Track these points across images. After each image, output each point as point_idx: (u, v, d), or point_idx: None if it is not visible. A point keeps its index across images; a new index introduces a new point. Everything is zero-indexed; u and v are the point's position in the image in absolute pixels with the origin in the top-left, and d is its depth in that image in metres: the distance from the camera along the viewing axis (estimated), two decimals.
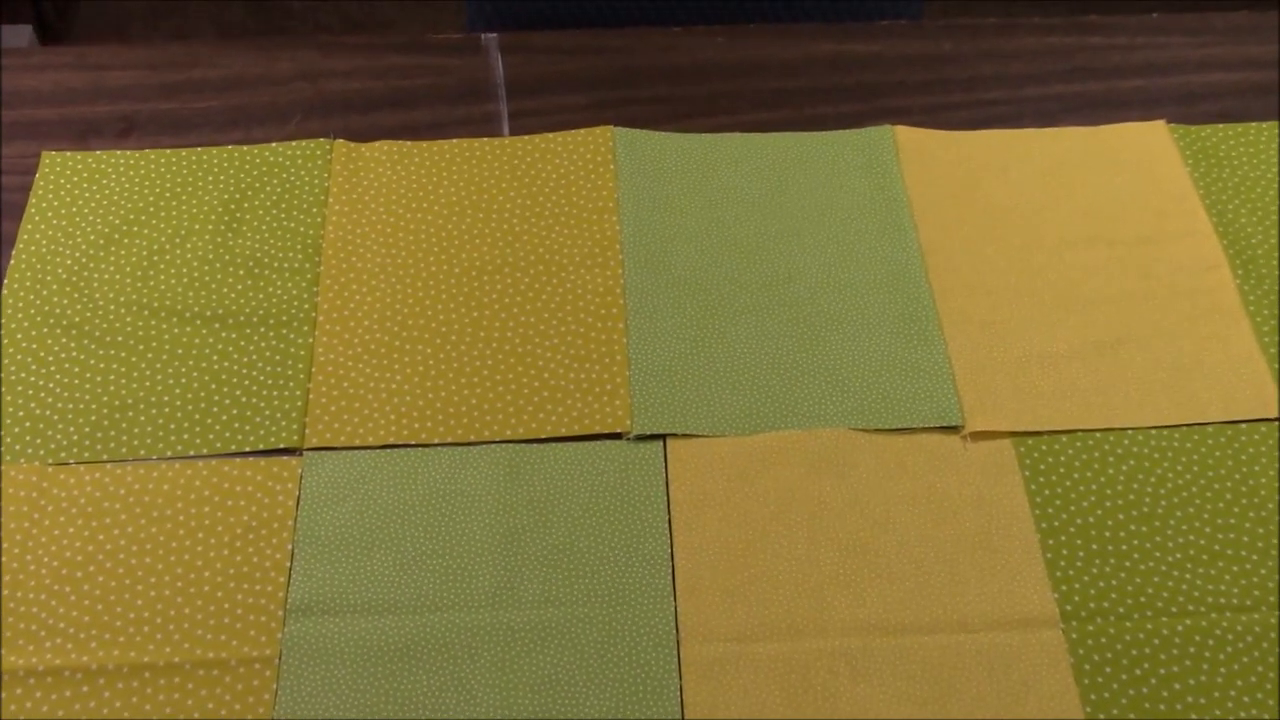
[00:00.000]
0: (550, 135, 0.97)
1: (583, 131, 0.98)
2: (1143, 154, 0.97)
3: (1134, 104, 1.01)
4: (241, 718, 0.71)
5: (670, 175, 0.95)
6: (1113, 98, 1.02)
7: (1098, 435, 0.82)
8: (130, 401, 0.82)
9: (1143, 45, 1.06)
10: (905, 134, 0.98)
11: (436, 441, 0.81)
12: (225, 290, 0.88)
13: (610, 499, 0.79)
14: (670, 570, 0.76)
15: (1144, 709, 0.71)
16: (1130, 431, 0.82)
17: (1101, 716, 0.71)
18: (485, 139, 0.97)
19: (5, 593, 0.75)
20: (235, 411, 0.82)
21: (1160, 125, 0.99)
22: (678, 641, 0.74)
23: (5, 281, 0.88)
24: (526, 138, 0.97)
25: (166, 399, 0.83)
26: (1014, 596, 0.75)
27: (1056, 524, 0.78)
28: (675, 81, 1.04)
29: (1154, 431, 0.82)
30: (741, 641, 0.74)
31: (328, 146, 0.96)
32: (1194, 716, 0.71)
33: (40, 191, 0.93)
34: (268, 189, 0.94)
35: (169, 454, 0.81)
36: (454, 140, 0.97)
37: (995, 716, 0.71)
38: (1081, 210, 0.93)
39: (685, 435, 0.82)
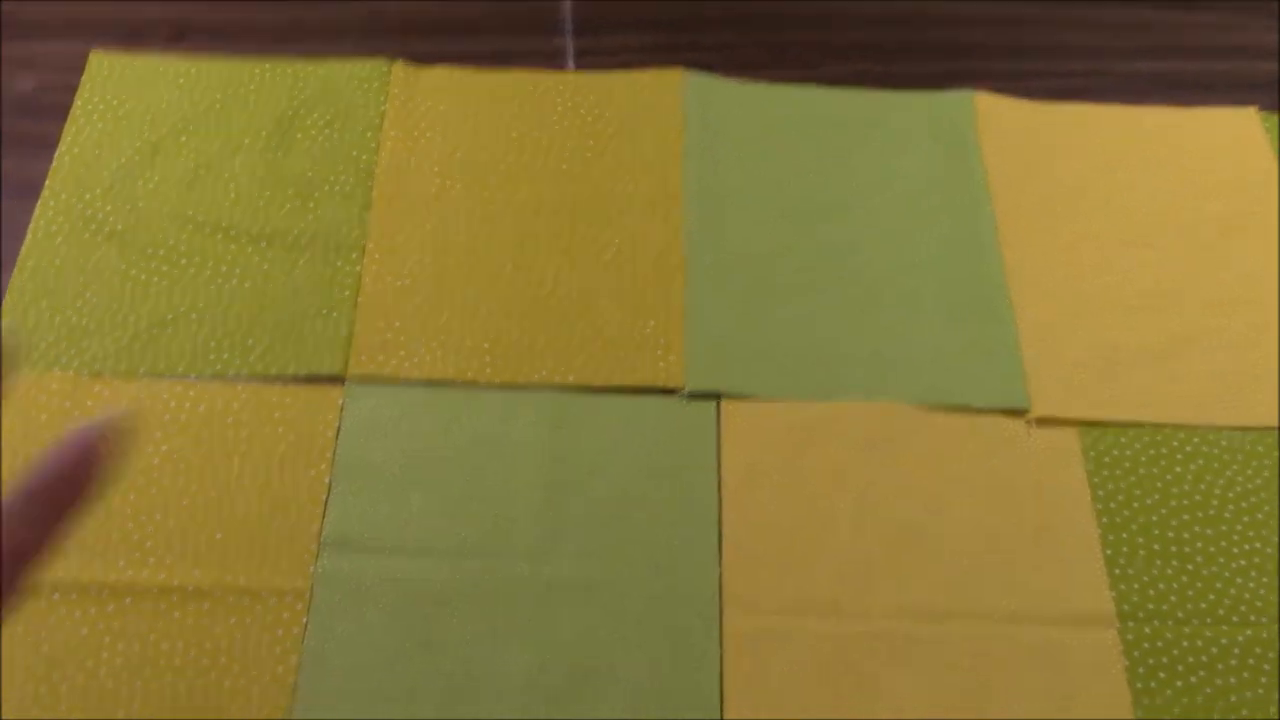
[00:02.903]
0: (618, 74, 0.94)
1: (652, 73, 0.94)
2: (1232, 141, 0.93)
3: (1224, 88, 0.97)
4: (269, 649, 0.69)
5: (740, 126, 0.92)
6: (1202, 79, 0.98)
7: (1168, 430, 0.79)
8: (170, 317, 0.80)
9: (1239, 26, 1.02)
10: (985, 101, 0.94)
11: (483, 382, 0.79)
12: (273, 209, 0.85)
13: (659, 457, 0.76)
14: (717, 536, 0.74)
15: (1197, 717, 0.69)
16: (1202, 429, 0.79)
17: None
18: (549, 72, 0.94)
19: None
20: (278, 335, 0.80)
21: (1252, 112, 0.95)
22: (720, 610, 0.71)
23: (46, 184, 0.85)
24: (593, 74, 0.94)
25: (208, 316, 0.80)
26: (1069, 591, 0.73)
27: (1119, 520, 0.75)
28: (747, 29, 1.00)
29: (1226, 432, 0.79)
30: (785, 615, 0.71)
31: (386, 68, 0.93)
32: None
33: (86, 93, 0.90)
34: (322, 107, 0.90)
35: (208, 373, 0.78)
36: (517, 71, 0.93)
37: (1043, 712, 0.69)
38: (1164, 196, 0.90)
39: (740, 397, 0.79)
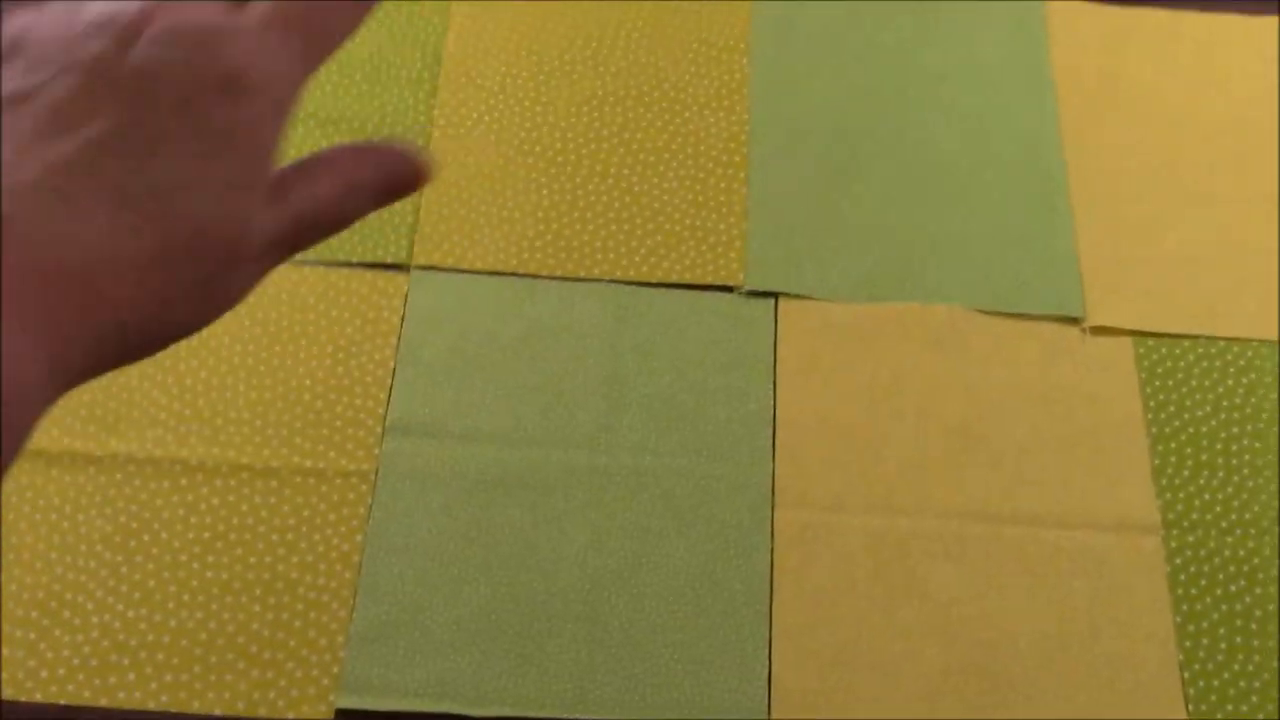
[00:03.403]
0: None
1: None
2: None
3: None
4: (335, 527, 0.71)
5: (807, 19, 0.90)
6: None
7: (1222, 344, 0.79)
8: None
9: None
10: (1057, 4, 0.92)
11: (544, 273, 0.80)
12: (340, 93, 0.85)
13: (717, 352, 0.78)
14: (771, 432, 0.75)
15: (1235, 626, 0.71)
16: (1255, 344, 0.79)
17: (1191, 628, 0.70)
18: None
19: (107, 378, 0.75)
20: None
21: None
22: (772, 505, 0.73)
23: None
24: None
25: None
26: (1116, 498, 0.74)
27: (1168, 430, 0.76)
28: None
29: None
30: (837, 512, 0.73)
31: None
32: None
33: None
34: None
35: None
36: None
37: (1084, 616, 0.71)
38: (1235, 104, 0.88)
39: (798, 296, 0.80)
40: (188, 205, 0.28)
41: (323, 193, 0.32)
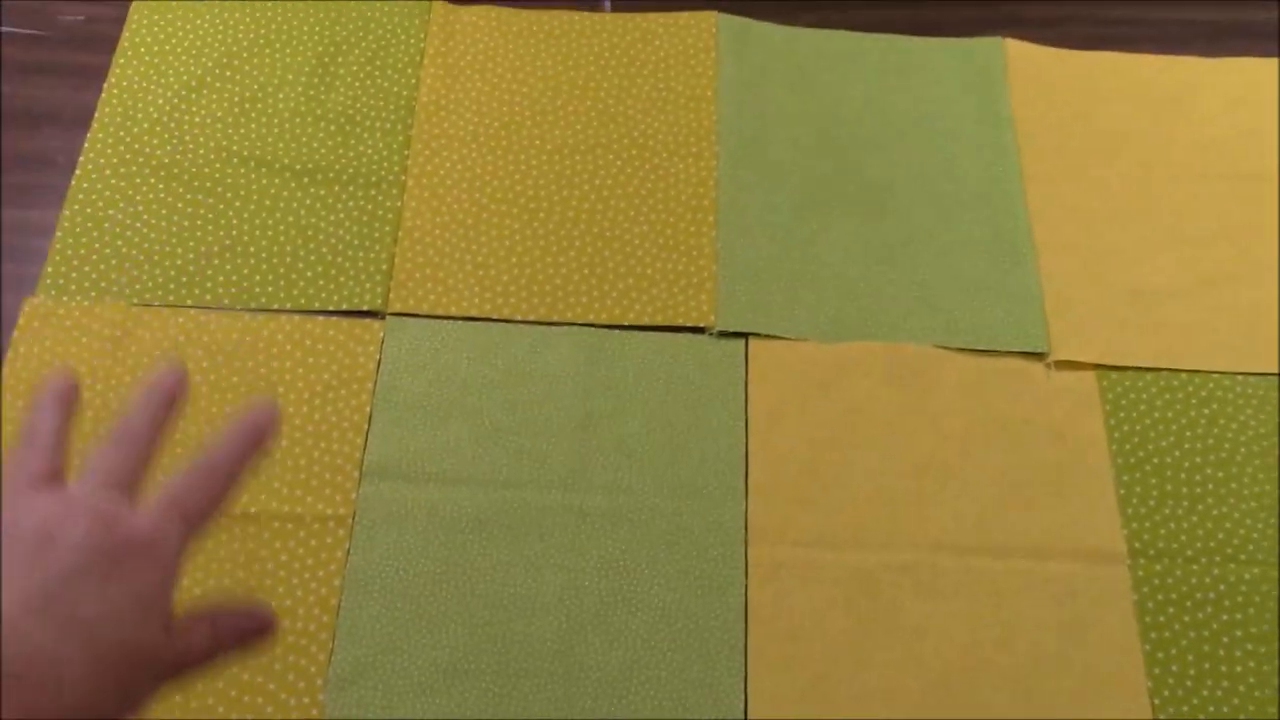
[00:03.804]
0: (653, 15, 0.95)
1: (686, 15, 0.95)
2: (1260, 91, 0.94)
3: (1259, 36, 0.98)
4: (314, 571, 0.72)
5: (772, 69, 0.93)
6: (1238, 28, 0.98)
7: (1183, 376, 0.81)
8: (216, 249, 0.82)
9: None
10: (1016, 48, 0.95)
11: (519, 318, 0.81)
12: (315, 145, 0.87)
13: (689, 392, 0.79)
14: (744, 470, 0.76)
15: (1203, 652, 0.72)
16: (1217, 376, 0.81)
17: (1160, 655, 0.71)
18: (587, 13, 0.95)
19: (87, 427, 0.76)
20: (320, 269, 0.82)
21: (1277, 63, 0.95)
22: (746, 541, 0.74)
23: (95, 118, 0.87)
24: (629, 15, 0.95)
25: (253, 250, 0.82)
26: (1084, 529, 0.75)
27: (1133, 460, 0.78)
28: None
29: (1240, 378, 0.81)
30: (809, 547, 0.74)
31: (426, 6, 0.94)
32: (1253, 664, 0.71)
33: (133, 27, 0.92)
34: (363, 44, 0.92)
35: (253, 305, 0.81)
36: (555, 11, 0.95)
37: (1053, 646, 0.72)
38: (1190, 144, 0.91)
39: (768, 336, 0.81)
40: (111, 634, 0.40)
41: (196, 635, 0.44)
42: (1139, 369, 0.81)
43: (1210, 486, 0.77)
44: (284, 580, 0.72)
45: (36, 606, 0.39)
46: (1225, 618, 0.73)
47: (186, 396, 0.49)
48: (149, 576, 0.42)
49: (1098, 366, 0.81)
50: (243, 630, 0.47)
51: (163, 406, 0.48)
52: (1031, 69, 0.94)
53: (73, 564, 0.41)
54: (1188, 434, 0.79)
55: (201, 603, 0.46)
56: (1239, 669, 0.71)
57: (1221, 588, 0.74)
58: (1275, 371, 0.81)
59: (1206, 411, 0.80)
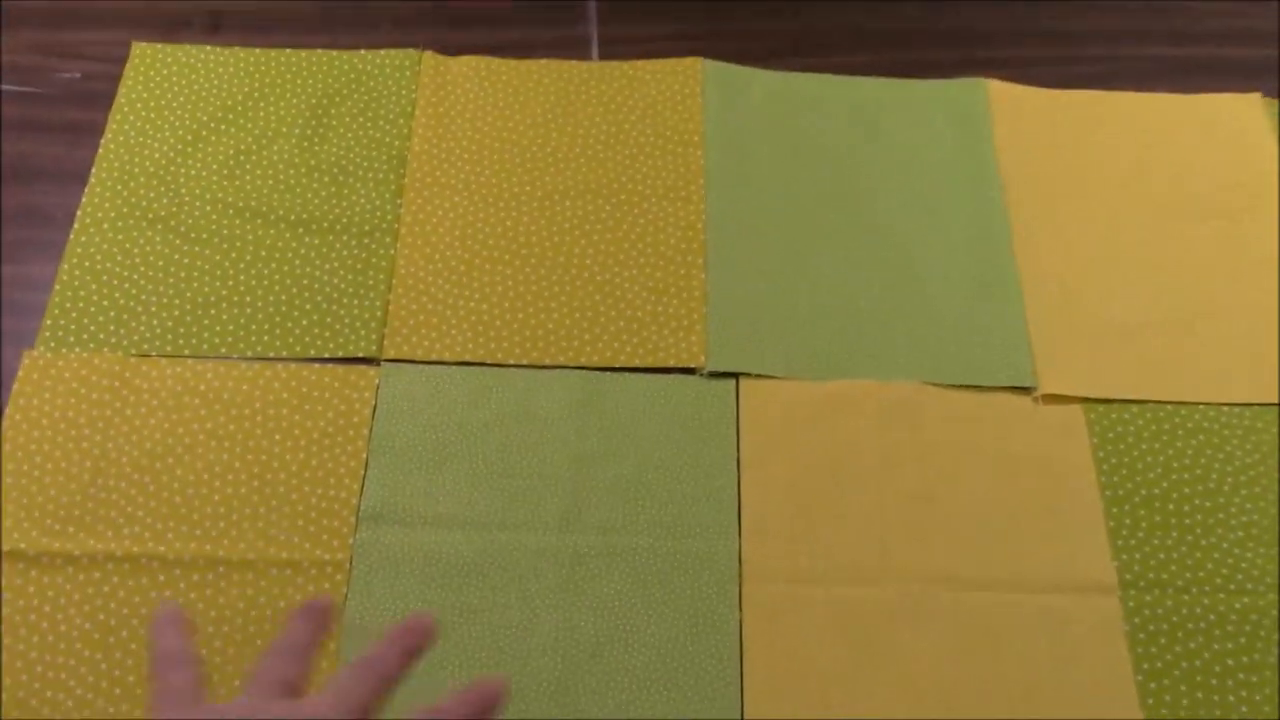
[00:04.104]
0: (639, 63, 0.97)
1: (672, 61, 0.97)
2: (1236, 127, 0.96)
3: (1233, 73, 0.99)
4: None
5: (758, 113, 0.95)
6: (1212, 64, 1.00)
7: (1169, 408, 0.82)
8: (213, 299, 0.83)
9: (1247, 12, 1.04)
10: (998, 89, 0.97)
11: (512, 362, 0.82)
12: (310, 195, 0.88)
13: (681, 433, 0.80)
14: (736, 508, 0.77)
15: (1195, 682, 0.72)
16: (1203, 407, 0.82)
17: (1153, 686, 0.72)
18: (574, 62, 0.97)
19: (87, 478, 0.76)
20: (315, 317, 0.83)
21: (1256, 98, 0.97)
22: (740, 579, 0.75)
23: (93, 171, 0.89)
24: (615, 63, 0.97)
25: (249, 299, 0.84)
26: (1074, 561, 0.76)
27: (1121, 492, 0.79)
28: (766, 17, 1.03)
29: (1226, 408, 0.82)
30: (803, 583, 0.75)
31: (417, 58, 0.96)
32: (1245, 693, 0.72)
33: (130, 82, 0.93)
34: (355, 96, 0.94)
35: (249, 354, 0.82)
36: (543, 61, 0.96)
37: (1046, 678, 0.72)
38: (1170, 179, 0.93)
39: (759, 376, 0.82)
40: None
41: None
42: (1125, 401, 0.82)
43: (1199, 516, 0.78)
44: (281, 625, 0.72)
45: None
46: (1217, 647, 0.73)
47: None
48: None
49: (1084, 400, 0.82)
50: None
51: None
52: (1014, 108, 0.96)
53: None
54: (1175, 465, 0.80)
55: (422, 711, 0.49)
56: (1232, 698, 0.72)
57: (1212, 617, 0.74)
58: (1260, 402, 0.82)
59: (1194, 442, 0.81)
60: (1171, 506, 0.78)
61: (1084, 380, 0.83)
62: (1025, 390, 0.82)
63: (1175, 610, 0.74)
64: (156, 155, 0.89)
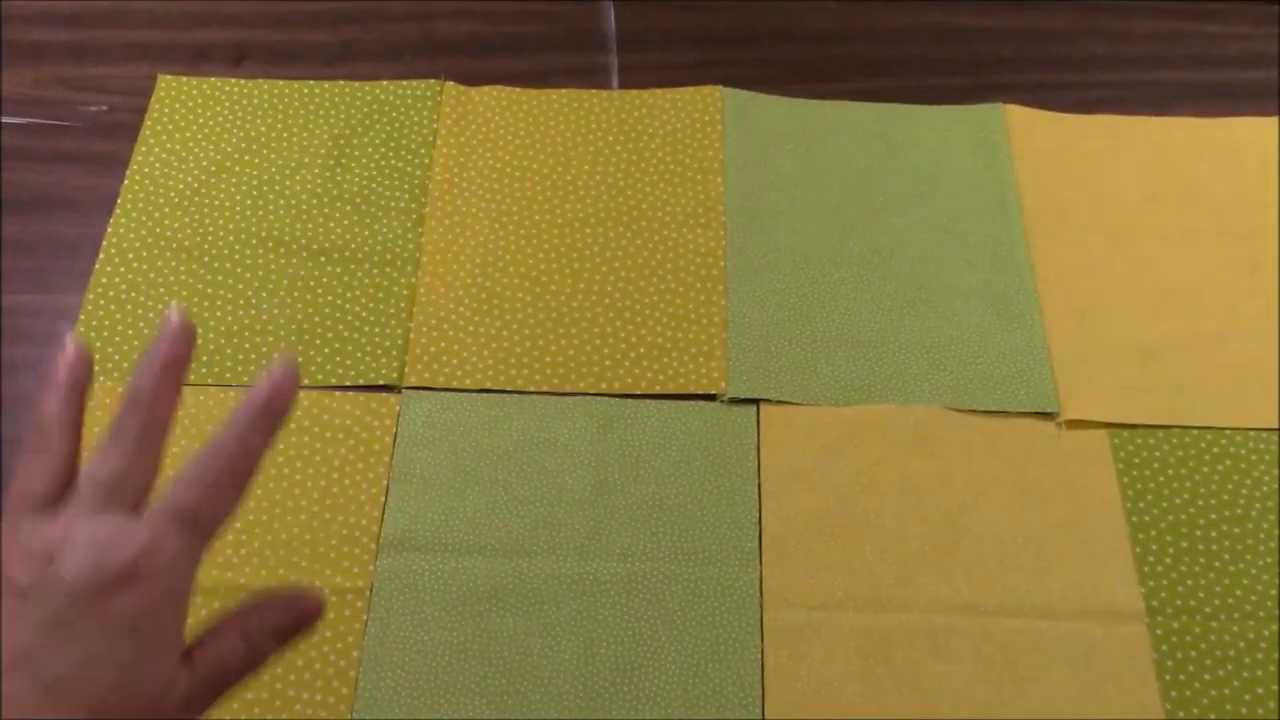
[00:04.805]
0: (658, 91, 0.97)
1: (691, 90, 0.97)
2: (1255, 150, 0.95)
3: (1250, 96, 0.99)
4: (332, 645, 0.73)
5: (777, 139, 0.95)
6: (1229, 88, 1.00)
7: (1195, 433, 0.81)
8: (236, 328, 0.84)
9: (1264, 36, 1.04)
10: (1016, 114, 0.97)
11: (532, 389, 0.82)
12: (332, 225, 0.89)
13: (701, 459, 0.80)
14: (757, 534, 0.77)
15: (1225, 710, 0.71)
16: (1229, 432, 0.81)
17: (1181, 715, 0.71)
18: (594, 90, 0.97)
19: None
20: (337, 345, 0.84)
21: (1275, 122, 0.97)
22: (761, 605, 0.74)
23: (119, 202, 0.89)
24: (635, 92, 0.97)
25: (271, 328, 0.84)
26: (1100, 587, 0.75)
27: (1147, 518, 0.78)
28: (784, 44, 1.03)
29: (1253, 433, 0.81)
30: (825, 610, 0.74)
31: (438, 88, 0.97)
32: None
33: (155, 114, 0.94)
34: (377, 127, 0.94)
35: None
36: (563, 90, 0.97)
37: (1073, 706, 0.71)
38: (1189, 202, 0.92)
39: (779, 402, 0.82)
40: (105, 681, 0.35)
41: (227, 647, 0.40)
42: (1150, 427, 0.81)
43: (1227, 542, 0.77)
44: (302, 653, 0.72)
45: (17, 665, 0.35)
46: (1246, 675, 0.72)
47: (193, 351, 0.43)
48: (148, 608, 0.37)
49: (1108, 425, 0.81)
50: (282, 627, 0.42)
51: (169, 373, 0.42)
52: (1032, 132, 0.96)
53: (58, 612, 0.36)
54: (1201, 490, 0.79)
55: (226, 611, 0.42)
56: None
57: (1241, 644, 0.73)
58: None
59: (1220, 468, 0.80)
60: (1199, 532, 0.77)
61: (1107, 405, 0.82)
62: (1048, 416, 0.82)
63: (1203, 637, 0.74)
64: (181, 186, 0.90)
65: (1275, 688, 0.72)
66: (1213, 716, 0.71)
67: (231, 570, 0.75)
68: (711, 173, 0.93)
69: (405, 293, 0.86)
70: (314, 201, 0.90)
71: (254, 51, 1.00)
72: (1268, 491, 0.79)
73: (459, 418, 0.81)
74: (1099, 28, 1.05)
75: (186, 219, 0.89)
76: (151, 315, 0.84)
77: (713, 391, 0.82)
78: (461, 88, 0.97)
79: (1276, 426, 0.81)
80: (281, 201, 0.90)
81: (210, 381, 0.82)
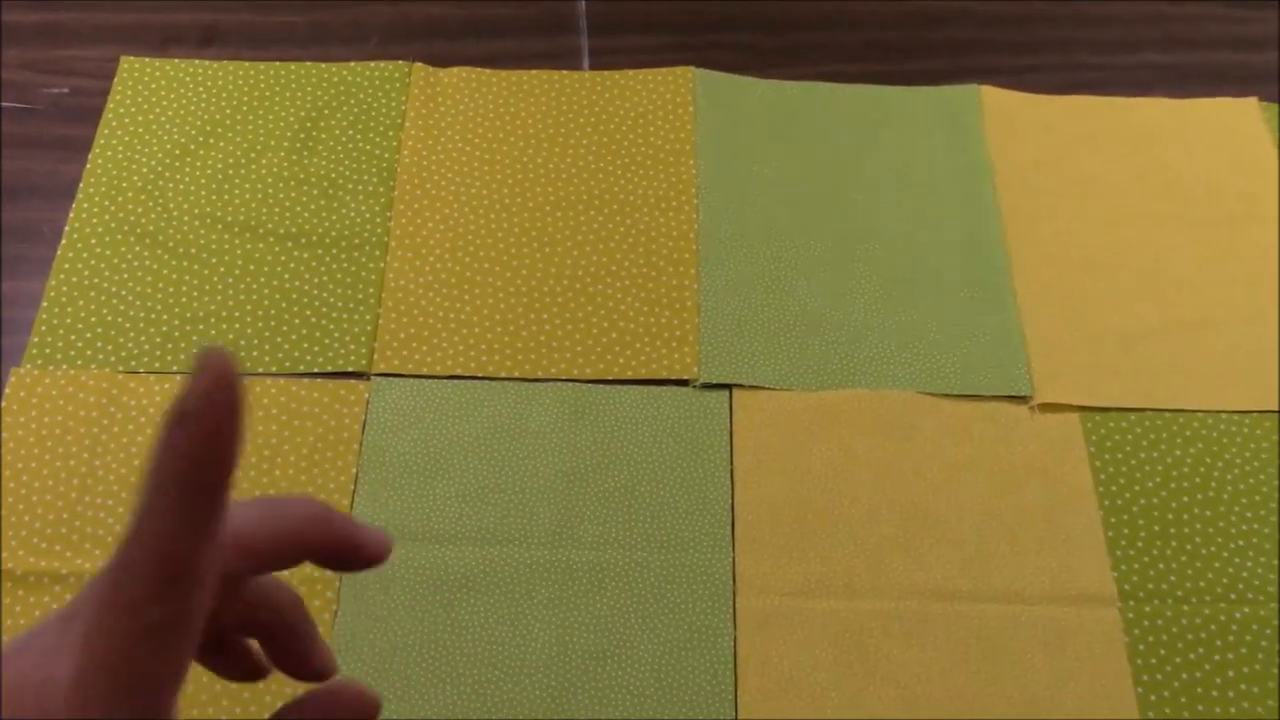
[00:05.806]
0: (631, 72, 0.96)
1: (663, 71, 0.96)
2: (1232, 131, 0.95)
3: (1228, 79, 0.99)
4: None
5: (750, 122, 0.94)
6: (1206, 71, 1.00)
7: (1167, 415, 0.81)
8: (201, 315, 0.83)
9: (1240, 18, 1.04)
10: (991, 95, 0.96)
11: (503, 375, 0.82)
12: (299, 209, 0.88)
13: (674, 445, 0.79)
14: (730, 521, 0.76)
15: (1196, 693, 0.71)
16: (1200, 414, 0.81)
17: (1153, 698, 0.71)
18: (565, 72, 0.96)
19: (74, 496, 0.76)
20: (305, 332, 0.83)
21: (1252, 103, 0.97)
22: (734, 592, 0.74)
23: (81, 186, 0.88)
24: (607, 73, 0.96)
25: (238, 314, 0.83)
26: (1073, 572, 0.75)
27: (1120, 502, 0.78)
28: (760, 29, 1.02)
29: (1224, 416, 0.81)
30: (797, 596, 0.74)
31: (406, 69, 0.95)
32: (1246, 704, 0.71)
33: (118, 97, 0.93)
34: (345, 108, 0.93)
35: (239, 369, 0.81)
36: (534, 71, 0.96)
37: (1046, 690, 0.71)
38: (1166, 185, 0.92)
39: (752, 386, 0.81)
40: None
41: None
42: (1122, 410, 0.81)
43: (1199, 526, 0.77)
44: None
45: None
46: (1218, 658, 0.72)
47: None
48: None
49: (1081, 408, 0.81)
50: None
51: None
52: (1007, 115, 0.95)
53: None
54: (1173, 473, 0.79)
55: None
56: (1233, 710, 0.71)
57: (1213, 627, 0.73)
58: (1260, 409, 0.81)
59: (1192, 450, 0.80)
60: (1170, 516, 0.77)
61: (1081, 389, 0.82)
62: (1021, 399, 0.82)
63: (1175, 621, 0.74)
64: (144, 170, 0.89)
65: (1246, 670, 0.72)
66: (1184, 700, 0.71)
67: None
68: (684, 155, 0.92)
69: (374, 278, 0.85)
70: (280, 185, 0.89)
71: (223, 34, 0.99)
72: (1240, 474, 0.79)
73: (429, 404, 0.80)
74: (1078, 11, 1.04)
75: (150, 204, 0.87)
76: (115, 301, 0.83)
77: (685, 377, 0.82)
78: (430, 69, 0.95)
79: (1251, 409, 0.81)
80: (247, 185, 0.89)
81: (176, 369, 0.81)
